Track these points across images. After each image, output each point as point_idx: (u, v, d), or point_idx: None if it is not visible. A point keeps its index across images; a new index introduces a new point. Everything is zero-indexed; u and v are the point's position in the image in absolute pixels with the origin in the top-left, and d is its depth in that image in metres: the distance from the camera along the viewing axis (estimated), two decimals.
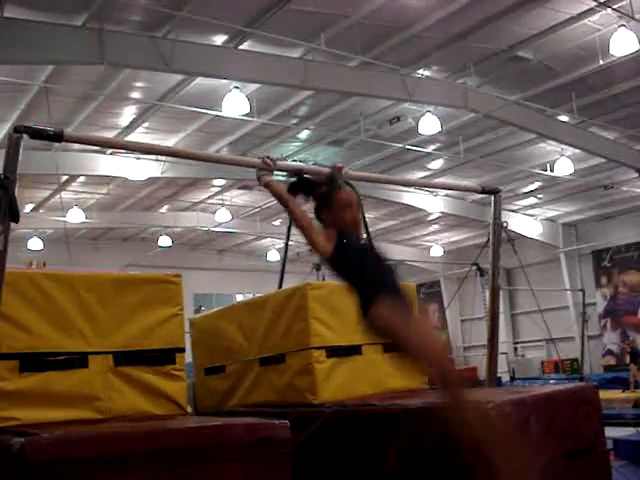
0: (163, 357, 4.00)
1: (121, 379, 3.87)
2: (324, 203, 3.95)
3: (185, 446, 3.12)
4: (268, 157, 4.27)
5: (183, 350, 4.13)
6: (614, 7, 10.91)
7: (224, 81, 12.41)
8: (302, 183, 4.11)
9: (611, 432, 7.02)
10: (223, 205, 21.15)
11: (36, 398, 3.64)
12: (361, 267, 3.71)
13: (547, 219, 24.79)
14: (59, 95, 12.77)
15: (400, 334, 3.44)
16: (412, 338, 3.41)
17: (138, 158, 16.45)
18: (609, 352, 24.77)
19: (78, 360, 3.78)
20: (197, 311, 19.64)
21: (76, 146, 15.41)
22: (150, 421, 3.62)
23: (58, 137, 3.60)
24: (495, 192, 5.49)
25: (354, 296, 3.69)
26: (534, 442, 3.70)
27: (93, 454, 2.92)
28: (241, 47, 11.65)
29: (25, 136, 3.47)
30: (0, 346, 3.35)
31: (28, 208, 20.07)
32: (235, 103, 12.70)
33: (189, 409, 4.22)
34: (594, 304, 24.51)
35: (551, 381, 18.18)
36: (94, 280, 3.98)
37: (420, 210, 22.45)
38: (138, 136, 15.02)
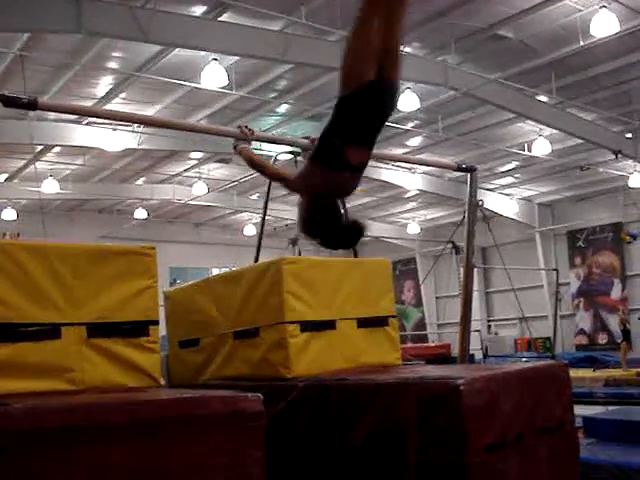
0: (137, 329, 3.98)
1: (94, 351, 3.84)
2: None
3: (158, 418, 3.12)
4: (246, 126, 4.31)
5: (157, 322, 4.10)
6: None
7: (203, 53, 12.32)
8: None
9: (582, 410, 7.14)
10: (200, 178, 21.06)
11: (8, 369, 3.61)
12: None
13: (523, 199, 24.96)
14: (35, 63, 12.61)
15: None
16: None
17: (114, 129, 16.29)
18: (581, 331, 25.10)
19: (51, 331, 3.75)
20: (172, 284, 19.60)
21: (51, 115, 15.24)
22: (123, 393, 3.61)
23: (32, 105, 3.56)
24: (471, 170, 5.51)
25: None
26: (504, 418, 3.74)
27: (65, 425, 2.92)
28: (220, 19, 11.56)
29: None
30: None
31: (2, 178, 19.87)
32: (214, 75, 12.61)
33: (162, 382, 4.21)
34: (568, 284, 24.79)
35: (523, 359, 18.41)
36: (68, 251, 3.94)
37: (398, 187, 22.50)
38: (115, 106, 14.88)
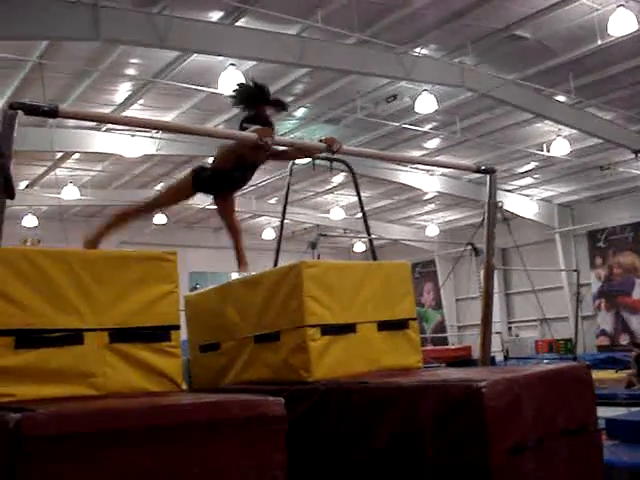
0: (158, 334, 3.99)
1: (116, 356, 3.86)
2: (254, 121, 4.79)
3: (181, 422, 3.13)
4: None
5: (178, 327, 4.12)
6: None
7: (220, 58, 12.36)
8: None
9: (604, 412, 7.08)
10: None
11: (31, 374, 3.64)
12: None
13: (543, 199, 24.82)
14: (54, 71, 12.72)
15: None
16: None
17: (133, 135, 16.39)
18: (603, 332, 24.91)
19: (73, 337, 3.77)
20: (193, 289, 19.66)
21: (71, 123, 15.35)
22: (145, 398, 3.63)
23: (53, 113, 3.59)
24: (491, 172, 5.48)
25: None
26: (526, 421, 3.72)
27: (89, 430, 2.93)
28: (237, 24, 11.60)
29: (20, 112, 3.46)
30: None
31: (23, 185, 20.03)
32: (231, 80, 12.63)
33: (184, 386, 4.22)
34: (588, 285, 24.61)
35: (545, 361, 18.27)
36: (89, 257, 3.97)
37: (416, 189, 22.46)
38: (133, 113, 14.98)
